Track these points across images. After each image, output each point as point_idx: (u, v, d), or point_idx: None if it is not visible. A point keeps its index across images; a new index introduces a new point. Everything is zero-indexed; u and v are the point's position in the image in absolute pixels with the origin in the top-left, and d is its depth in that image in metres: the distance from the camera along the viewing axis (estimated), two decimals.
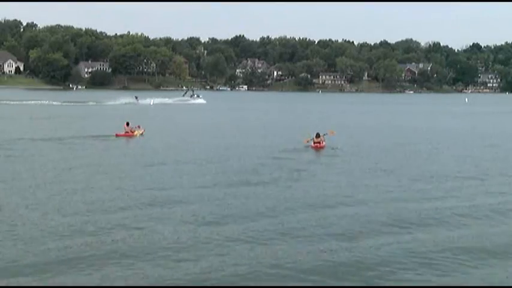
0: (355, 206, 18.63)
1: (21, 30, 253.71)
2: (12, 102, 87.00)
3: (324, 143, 33.80)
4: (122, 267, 12.42)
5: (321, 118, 66.27)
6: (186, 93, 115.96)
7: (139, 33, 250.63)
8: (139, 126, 39.94)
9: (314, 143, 33.59)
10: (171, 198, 19.15)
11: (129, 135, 37.77)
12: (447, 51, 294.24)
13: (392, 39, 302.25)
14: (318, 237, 14.95)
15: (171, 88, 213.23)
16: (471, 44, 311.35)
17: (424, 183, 23.24)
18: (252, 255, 13.35)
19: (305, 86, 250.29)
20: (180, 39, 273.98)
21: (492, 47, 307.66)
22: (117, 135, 37.50)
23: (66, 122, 52.60)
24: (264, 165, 27.10)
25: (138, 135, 38.40)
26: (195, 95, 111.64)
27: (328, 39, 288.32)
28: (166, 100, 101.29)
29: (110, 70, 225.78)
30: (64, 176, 23.16)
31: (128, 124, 38.65)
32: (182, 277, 12.02)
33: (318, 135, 33.86)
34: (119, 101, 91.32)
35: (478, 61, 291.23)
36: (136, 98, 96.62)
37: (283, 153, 31.70)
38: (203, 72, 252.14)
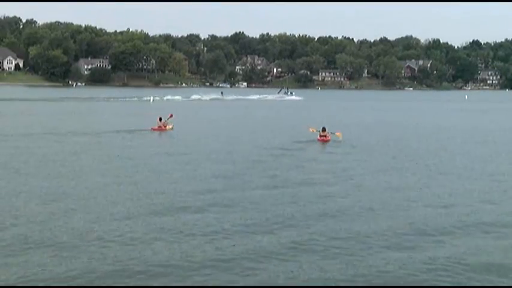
0: (359, 200, 18.75)
1: (21, 27, 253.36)
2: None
3: (329, 136, 36.28)
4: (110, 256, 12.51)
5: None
6: (280, 91, 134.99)
7: (139, 30, 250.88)
8: (171, 115, 44.28)
9: (320, 136, 36.13)
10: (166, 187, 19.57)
11: (161, 129, 41.70)
12: (447, 48, 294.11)
13: (392, 36, 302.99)
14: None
15: (170, 85, 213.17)
16: (471, 41, 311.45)
17: (427, 177, 23.58)
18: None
19: (305, 82, 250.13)
20: (179, 36, 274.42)
21: (492, 44, 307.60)
22: (152, 129, 41.53)
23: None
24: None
25: (169, 129, 42.30)
26: (289, 93, 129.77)
27: (327, 36, 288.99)
28: (268, 97, 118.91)
29: (110, 67, 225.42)
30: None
31: (160, 119, 42.39)
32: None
33: (324, 129, 36.47)
34: (207, 96, 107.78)
35: (478, 58, 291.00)
36: (221, 93, 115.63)
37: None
38: (203, 69, 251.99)
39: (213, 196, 18.95)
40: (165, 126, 42.09)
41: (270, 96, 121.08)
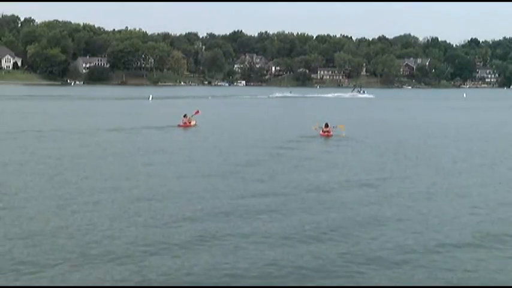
0: (360, 195, 18.86)
1: (19, 25, 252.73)
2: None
3: (331, 132, 37.96)
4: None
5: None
6: (354, 89, 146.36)
7: (138, 29, 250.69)
8: (198, 111, 48.12)
9: (323, 131, 37.83)
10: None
11: (187, 125, 45.37)
12: (445, 46, 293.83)
13: (390, 35, 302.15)
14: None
15: (169, 84, 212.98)
16: (469, 39, 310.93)
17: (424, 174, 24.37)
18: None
19: (303, 81, 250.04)
20: (178, 35, 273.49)
21: (490, 42, 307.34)
22: (179, 126, 44.94)
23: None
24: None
25: (193, 125, 45.90)
26: (362, 91, 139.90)
27: (326, 34, 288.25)
28: (344, 95, 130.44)
29: (108, 65, 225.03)
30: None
31: (185, 116, 45.95)
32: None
33: (326, 125, 38.19)
34: (273, 94, 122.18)
35: (476, 56, 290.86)
36: (290, 92, 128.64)
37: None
38: (201, 68, 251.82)
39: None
40: (189, 123, 45.55)
41: (346, 94, 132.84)
